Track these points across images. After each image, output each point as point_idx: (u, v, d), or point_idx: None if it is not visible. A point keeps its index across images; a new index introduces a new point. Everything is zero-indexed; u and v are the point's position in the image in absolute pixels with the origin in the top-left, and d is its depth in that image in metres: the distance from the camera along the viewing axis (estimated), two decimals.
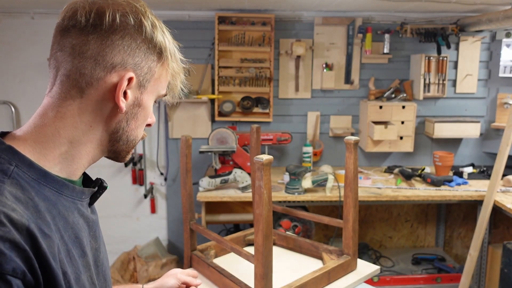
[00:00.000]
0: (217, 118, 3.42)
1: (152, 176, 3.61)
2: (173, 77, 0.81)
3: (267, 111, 3.40)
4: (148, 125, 0.83)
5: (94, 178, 0.84)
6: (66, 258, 0.67)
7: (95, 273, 0.79)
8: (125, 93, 0.73)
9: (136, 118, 0.77)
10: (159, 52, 0.76)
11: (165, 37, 0.77)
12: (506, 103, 3.38)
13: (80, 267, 0.71)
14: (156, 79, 0.78)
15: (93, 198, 0.81)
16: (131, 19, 0.72)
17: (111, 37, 0.71)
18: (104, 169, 3.45)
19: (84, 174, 0.83)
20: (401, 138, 3.31)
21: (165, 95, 0.83)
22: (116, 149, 0.79)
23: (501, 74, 3.43)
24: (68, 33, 0.71)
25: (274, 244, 1.74)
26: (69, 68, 0.71)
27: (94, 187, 0.82)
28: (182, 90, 0.86)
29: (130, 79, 0.73)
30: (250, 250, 1.34)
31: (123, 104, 0.73)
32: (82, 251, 0.73)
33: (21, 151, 0.68)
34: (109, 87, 0.72)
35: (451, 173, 3.22)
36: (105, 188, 0.82)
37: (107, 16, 0.70)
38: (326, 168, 3.12)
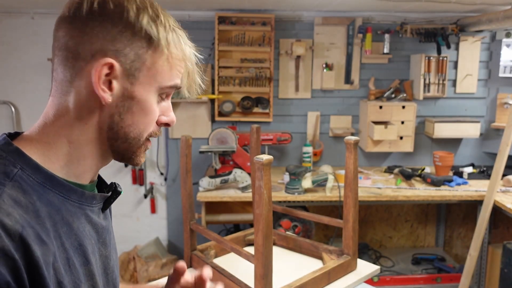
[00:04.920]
0: (217, 118, 3.42)
1: (152, 176, 3.61)
2: (174, 66, 0.73)
3: (267, 111, 3.39)
4: (167, 124, 0.77)
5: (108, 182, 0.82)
6: (65, 267, 0.64)
7: (104, 281, 0.77)
8: (110, 83, 0.67)
9: (131, 112, 0.70)
10: (148, 38, 0.68)
11: (158, 22, 0.69)
12: (506, 103, 3.38)
13: (80, 276, 0.68)
14: (150, 68, 0.70)
15: (107, 203, 0.78)
16: (111, 4, 0.67)
17: (90, 24, 0.66)
18: (103, 169, 3.43)
19: (99, 178, 0.82)
20: (401, 138, 3.31)
21: (176, 87, 0.75)
22: (117, 149, 0.74)
23: (501, 74, 3.43)
24: (59, 27, 0.69)
25: (274, 244, 1.74)
26: (56, 61, 0.69)
27: (108, 192, 0.79)
28: (197, 82, 0.78)
29: (110, 66, 0.66)
30: (250, 250, 1.34)
31: (105, 94, 0.67)
32: (86, 259, 0.70)
33: (27, 153, 0.66)
34: (90, 77, 0.67)
35: (451, 173, 3.22)
36: (119, 193, 0.80)
37: (85, 3, 0.67)
38: (326, 168, 3.12)
